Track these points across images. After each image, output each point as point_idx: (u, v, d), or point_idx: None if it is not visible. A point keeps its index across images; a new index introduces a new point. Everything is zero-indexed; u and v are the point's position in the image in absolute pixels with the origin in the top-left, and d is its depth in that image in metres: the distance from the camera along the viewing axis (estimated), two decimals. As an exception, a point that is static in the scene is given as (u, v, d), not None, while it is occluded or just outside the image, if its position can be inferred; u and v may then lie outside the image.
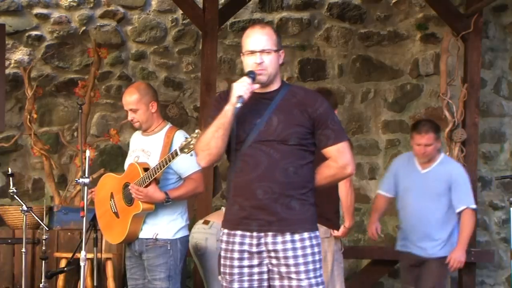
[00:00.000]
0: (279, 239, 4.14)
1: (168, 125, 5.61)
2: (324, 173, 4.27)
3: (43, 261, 6.52)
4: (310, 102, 4.21)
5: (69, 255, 6.59)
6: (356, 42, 8.80)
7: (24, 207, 6.49)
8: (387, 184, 6.66)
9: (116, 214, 5.56)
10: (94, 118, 8.47)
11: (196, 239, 6.38)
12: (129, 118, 5.63)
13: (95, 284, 6.21)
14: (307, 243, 4.16)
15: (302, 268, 4.13)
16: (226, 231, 4.23)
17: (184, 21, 8.60)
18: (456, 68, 8.20)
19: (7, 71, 8.18)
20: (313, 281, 4.15)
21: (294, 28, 8.72)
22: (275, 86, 4.25)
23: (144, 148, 5.57)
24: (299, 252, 4.14)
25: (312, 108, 4.19)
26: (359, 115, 8.77)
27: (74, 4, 8.44)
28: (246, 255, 4.16)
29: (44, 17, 8.41)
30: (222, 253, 4.22)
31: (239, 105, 4.08)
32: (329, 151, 4.23)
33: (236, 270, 4.18)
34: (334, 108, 5.68)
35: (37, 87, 7.98)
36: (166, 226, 5.47)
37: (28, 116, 7.87)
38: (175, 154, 5.15)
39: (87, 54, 8.20)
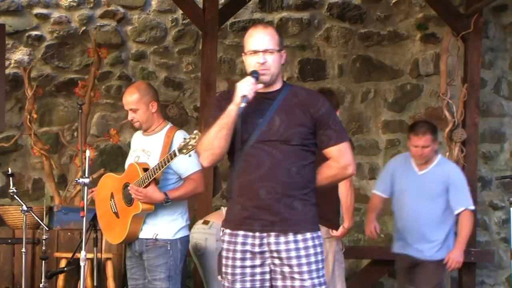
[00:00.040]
0: (282, 239, 4.14)
1: (169, 125, 5.61)
2: (325, 173, 4.28)
3: (43, 261, 6.52)
4: (312, 102, 4.21)
5: (69, 255, 6.59)
6: (356, 42, 8.80)
7: (24, 207, 6.49)
8: (383, 185, 6.64)
9: (116, 214, 5.57)
10: (94, 118, 8.47)
11: (195, 239, 6.38)
12: (129, 118, 5.64)
13: (95, 284, 6.21)
14: (310, 243, 4.16)
15: (305, 268, 4.14)
16: (228, 231, 4.22)
17: (184, 21, 8.60)
18: (456, 68, 8.20)
19: (7, 71, 8.18)
20: (316, 281, 4.15)
21: (294, 28, 8.72)
22: (277, 86, 4.25)
23: (145, 148, 5.57)
24: (302, 253, 4.14)
25: (314, 108, 4.19)
26: (359, 115, 8.77)
27: (74, 4, 8.44)
28: (248, 255, 4.16)
29: (44, 17, 8.42)
30: (224, 253, 4.22)
31: (243, 104, 4.07)
32: (330, 151, 4.24)
33: (238, 270, 4.17)
34: (335, 109, 5.69)
35: (37, 87, 7.98)
36: (166, 226, 5.47)
37: (28, 116, 7.87)
38: (173, 155, 5.14)
39: (87, 54, 8.20)
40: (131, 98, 5.56)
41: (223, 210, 6.61)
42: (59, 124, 8.42)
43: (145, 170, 5.37)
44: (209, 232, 6.44)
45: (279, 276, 4.16)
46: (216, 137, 4.12)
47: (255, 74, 4.14)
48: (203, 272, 6.51)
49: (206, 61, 7.68)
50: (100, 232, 6.03)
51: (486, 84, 8.74)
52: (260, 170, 4.12)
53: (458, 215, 6.44)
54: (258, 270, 4.17)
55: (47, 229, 6.69)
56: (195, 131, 5.02)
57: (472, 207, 6.47)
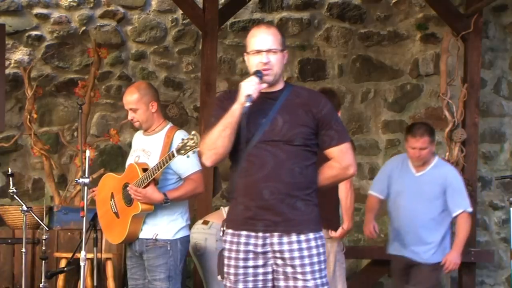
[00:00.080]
0: (285, 239, 4.13)
1: (169, 125, 5.60)
2: (327, 174, 4.28)
3: (43, 261, 6.52)
4: (314, 103, 4.22)
5: (69, 255, 6.58)
6: (356, 42, 8.80)
7: (24, 207, 6.49)
8: (380, 186, 6.61)
9: (116, 214, 5.57)
10: (94, 118, 8.47)
11: (195, 239, 6.38)
12: (129, 117, 5.64)
13: (95, 284, 6.21)
14: (313, 243, 4.16)
15: (308, 268, 4.13)
16: (230, 231, 4.21)
17: (184, 21, 8.60)
18: (456, 68, 8.21)
19: (7, 71, 8.17)
20: (318, 281, 4.15)
21: (294, 28, 8.72)
22: (279, 86, 4.25)
23: (145, 148, 5.57)
24: (305, 253, 4.14)
25: (317, 109, 4.20)
26: (359, 115, 8.77)
27: (74, 4, 8.44)
28: (251, 255, 4.16)
29: (44, 17, 8.41)
30: (226, 253, 4.21)
31: (248, 104, 4.06)
32: (332, 151, 4.24)
33: (241, 271, 4.17)
34: (337, 109, 5.69)
35: (37, 87, 7.98)
36: (166, 226, 5.46)
37: (28, 116, 7.87)
38: (172, 156, 5.13)
39: (87, 54, 8.19)
40: (131, 97, 5.57)
41: (223, 210, 6.62)
42: (59, 124, 8.41)
43: (145, 170, 5.36)
44: (209, 232, 6.44)
45: (281, 277, 4.16)
46: (220, 136, 4.12)
47: (259, 73, 4.14)
48: (202, 272, 6.51)
49: (206, 61, 7.68)
50: (100, 232, 6.03)
51: (486, 84, 8.74)
52: (264, 170, 4.11)
53: (455, 217, 6.42)
54: (260, 270, 4.17)
55: (47, 229, 6.69)
56: (193, 132, 5.02)
57: (470, 209, 6.45)
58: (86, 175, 5.26)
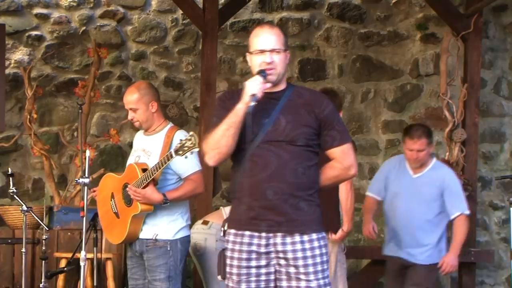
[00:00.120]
0: (288, 240, 4.13)
1: (169, 125, 5.60)
2: (328, 174, 4.28)
3: (43, 261, 6.52)
4: (317, 103, 4.22)
5: (69, 255, 6.58)
6: (356, 42, 8.80)
7: (24, 207, 6.49)
8: (377, 187, 6.59)
9: (117, 214, 5.57)
10: (94, 118, 8.47)
11: (195, 239, 6.37)
12: (129, 117, 5.64)
13: (95, 284, 6.21)
14: (316, 244, 4.16)
15: (311, 269, 4.14)
16: (233, 231, 4.21)
17: (184, 21, 8.60)
18: (456, 68, 8.21)
19: (7, 71, 8.17)
20: (321, 281, 4.16)
21: (294, 28, 8.72)
22: (281, 86, 4.25)
23: (145, 148, 5.57)
24: (308, 253, 4.14)
25: (319, 109, 4.20)
26: (359, 115, 8.77)
27: (74, 4, 8.44)
28: (254, 255, 4.16)
29: (44, 17, 8.41)
30: (229, 253, 4.20)
31: (253, 103, 4.06)
32: (334, 152, 4.25)
33: (243, 271, 4.17)
34: (338, 110, 5.68)
35: (37, 87, 7.98)
36: (166, 226, 5.46)
37: (28, 116, 7.87)
38: (170, 157, 5.13)
39: (87, 54, 8.19)
40: (131, 97, 5.57)
41: (222, 210, 6.61)
42: (59, 124, 8.41)
43: (144, 170, 5.36)
44: (209, 232, 6.44)
45: (284, 277, 4.16)
46: (224, 136, 4.11)
47: (263, 73, 4.14)
48: (202, 272, 6.51)
49: (206, 61, 7.68)
50: (100, 232, 6.03)
51: (486, 84, 8.74)
52: (267, 171, 4.11)
53: (453, 219, 6.40)
54: (263, 270, 4.17)
55: (47, 229, 6.69)
56: (190, 133, 5.02)
57: (468, 212, 6.44)
58: (86, 175, 5.26)
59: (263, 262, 4.16)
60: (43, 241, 6.59)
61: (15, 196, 6.60)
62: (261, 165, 4.12)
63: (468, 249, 7.95)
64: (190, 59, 8.64)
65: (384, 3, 8.79)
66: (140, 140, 5.69)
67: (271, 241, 4.14)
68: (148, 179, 5.29)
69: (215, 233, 6.41)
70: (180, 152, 4.98)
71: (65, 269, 6.61)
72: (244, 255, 4.16)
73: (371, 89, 8.81)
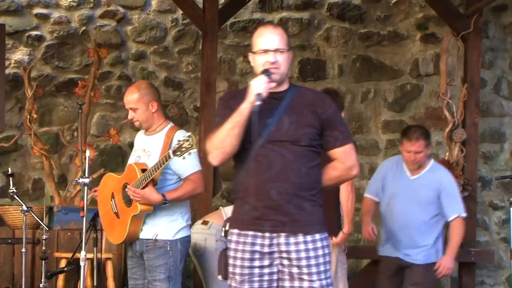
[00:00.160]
0: (292, 240, 4.13)
1: (169, 125, 5.60)
2: (330, 174, 4.29)
3: (43, 261, 6.52)
4: (320, 103, 4.23)
5: (69, 255, 6.58)
6: (356, 42, 8.80)
7: (24, 207, 6.49)
8: (374, 188, 6.57)
9: (117, 214, 5.57)
10: (94, 118, 8.47)
11: (195, 239, 6.37)
12: (129, 116, 5.64)
13: (95, 284, 6.21)
14: (319, 244, 4.17)
15: (314, 269, 4.14)
16: (236, 231, 4.21)
17: (184, 21, 8.60)
18: (456, 68, 8.21)
19: (7, 71, 8.17)
20: (324, 282, 4.16)
21: (294, 28, 8.72)
22: (284, 86, 4.25)
23: (145, 148, 5.57)
24: (311, 254, 4.14)
25: (322, 109, 4.21)
26: (359, 115, 8.77)
27: (74, 4, 8.44)
28: (257, 255, 4.15)
29: (44, 17, 8.41)
30: (232, 253, 4.20)
31: (258, 103, 4.05)
32: (336, 152, 4.25)
33: (246, 271, 4.16)
34: (340, 110, 5.67)
35: (37, 87, 7.98)
36: (166, 226, 5.46)
37: (28, 116, 7.87)
38: (168, 157, 5.13)
39: (87, 54, 8.20)
40: (131, 97, 5.57)
41: (222, 210, 6.61)
42: (59, 124, 8.42)
43: (143, 171, 5.36)
44: (208, 233, 6.44)
45: (286, 277, 4.16)
46: (229, 135, 4.11)
47: (267, 72, 4.14)
48: (202, 272, 6.51)
49: (206, 61, 7.68)
50: (100, 232, 6.03)
51: (486, 84, 8.74)
52: (271, 171, 4.11)
53: (450, 222, 6.39)
54: (266, 270, 4.17)
55: (47, 229, 6.69)
56: (188, 134, 5.03)
57: (464, 215, 6.43)
58: (86, 175, 5.27)
59: (266, 262, 4.16)
60: (43, 241, 6.59)
61: (15, 196, 6.60)
62: (265, 165, 4.12)
63: (468, 249, 7.96)
64: (190, 59, 8.64)
65: (384, 3, 8.79)
66: (140, 140, 5.69)
67: (275, 241, 4.14)
68: (147, 179, 5.29)
69: (215, 233, 6.41)
70: (178, 153, 4.99)
71: (65, 269, 6.61)
72: (247, 255, 4.16)
73: (371, 89, 8.81)
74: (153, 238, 5.43)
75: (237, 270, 4.18)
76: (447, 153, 8.10)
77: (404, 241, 6.38)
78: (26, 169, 8.37)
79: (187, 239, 5.55)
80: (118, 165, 8.24)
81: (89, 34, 8.44)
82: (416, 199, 6.36)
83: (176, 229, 5.47)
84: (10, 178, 6.70)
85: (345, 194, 5.82)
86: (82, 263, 5.20)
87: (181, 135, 5.38)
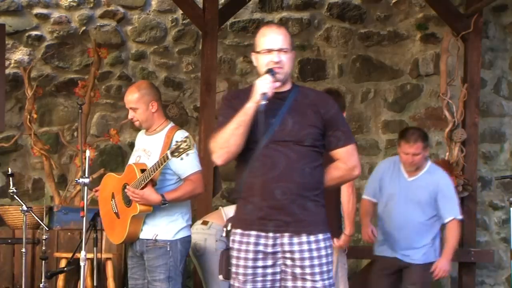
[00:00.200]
0: (296, 240, 4.13)
1: (170, 125, 5.59)
2: (333, 174, 4.30)
3: (43, 261, 6.52)
4: (323, 104, 4.24)
5: (69, 255, 6.58)
6: (356, 42, 8.80)
7: (24, 207, 6.49)
8: (372, 189, 6.55)
9: (117, 214, 5.56)
10: (94, 118, 8.47)
11: (194, 239, 6.35)
12: (129, 116, 5.64)
13: (95, 284, 6.21)
14: (322, 244, 4.17)
15: (317, 269, 4.14)
16: (239, 231, 4.20)
17: (184, 21, 8.60)
18: (456, 68, 8.21)
19: (7, 71, 8.17)
20: (326, 282, 4.16)
21: (294, 28, 8.71)
22: (287, 86, 4.26)
23: (146, 148, 5.57)
24: (315, 254, 4.14)
25: (325, 109, 4.22)
26: (359, 115, 8.77)
27: (74, 4, 8.44)
28: (260, 255, 4.15)
29: (44, 17, 8.41)
30: (235, 253, 4.19)
31: (264, 102, 4.06)
32: (338, 152, 4.26)
33: (249, 271, 4.16)
34: (342, 110, 5.68)
35: (37, 87, 7.98)
36: (166, 227, 5.45)
37: (28, 116, 7.87)
38: (166, 158, 5.13)
39: (87, 54, 8.20)
40: (132, 97, 5.57)
41: (222, 210, 6.61)
42: (59, 124, 8.41)
43: (143, 171, 5.35)
44: (208, 233, 6.43)
45: (289, 277, 4.16)
46: (233, 134, 4.10)
47: (272, 72, 4.14)
48: (202, 272, 6.50)
49: (206, 61, 7.68)
50: (100, 232, 6.03)
51: (486, 84, 8.74)
52: (275, 171, 4.11)
53: (445, 224, 6.38)
54: (269, 270, 4.17)
55: (47, 229, 6.69)
56: (186, 135, 5.03)
57: (460, 217, 6.42)
58: (86, 175, 5.27)
59: (269, 262, 4.16)
60: (43, 241, 6.59)
61: (15, 196, 6.60)
62: (269, 165, 4.11)
63: (468, 249, 7.96)
64: (190, 59, 8.64)
65: (384, 3, 8.79)
66: (141, 140, 5.69)
67: (278, 241, 4.14)
68: (146, 179, 5.29)
69: (214, 233, 6.41)
70: (176, 154, 4.99)
71: (65, 269, 6.61)
72: (251, 255, 4.16)
73: (371, 89, 8.81)
74: (153, 238, 5.43)
75: (240, 270, 4.18)
76: (447, 153, 8.10)
77: (402, 242, 6.38)
78: (26, 169, 8.37)
79: (187, 239, 5.55)
80: (118, 165, 8.24)
81: (89, 34, 8.44)
82: (414, 200, 6.35)
83: (176, 229, 5.47)
84: (10, 178, 6.70)
85: (346, 196, 5.82)
86: (82, 263, 5.20)
87: (181, 135, 5.38)
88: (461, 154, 8.01)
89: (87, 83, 7.97)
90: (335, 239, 5.77)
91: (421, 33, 8.81)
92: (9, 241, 7.34)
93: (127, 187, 5.40)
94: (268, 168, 4.11)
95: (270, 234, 4.14)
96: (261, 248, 4.15)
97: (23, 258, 6.53)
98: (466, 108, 8.06)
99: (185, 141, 4.96)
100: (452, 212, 6.35)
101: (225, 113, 4.20)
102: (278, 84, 4.15)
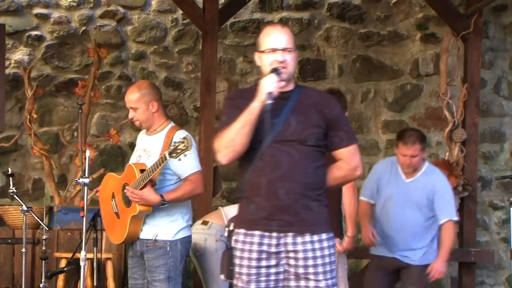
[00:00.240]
0: (299, 239, 4.14)
1: (170, 125, 5.59)
2: (335, 174, 4.31)
3: (43, 261, 6.52)
4: (326, 104, 4.25)
5: (69, 255, 6.58)
6: (356, 42, 8.80)
7: (24, 207, 6.49)
8: (369, 191, 6.52)
9: (117, 214, 5.56)
10: (94, 118, 8.47)
11: (194, 239, 6.34)
12: (130, 116, 5.64)
13: (95, 284, 6.21)
14: (325, 244, 4.18)
15: (320, 269, 4.15)
16: (242, 231, 4.20)
17: (184, 21, 8.60)
18: (456, 68, 8.21)
19: (7, 71, 8.17)
20: (329, 282, 4.17)
21: (294, 28, 8.71)
22: (290, 86, 4.26)
23: (146, 147, 5.57)
24: (318, 253, 4.15)
25: (328, 110, 4.23)
26: (359, 115, 8.77)
27: (74, 4, 8.44)
28: (264, 255, 4.15)
29: (44, 17, 8.41)
30: (238, 253, 4.19)
31: (270, 101, 4.06)
32: (341, 152, 4.27)
33: (253, 271, 4.16)
34: (344, 110, 5.68)
35: (37, 87, 7.98)
36: (166, 227, 5.45)
37: (28, 116, 7.87)
38: (164, 159, 5.13)
39: (87, 54, 8.20)
40: (132, 96, 5.57)
41: (221, 210, 6.61)
42: (59, 124, 8.41)
43: (142, 171, 5.35)
44: (208, 233, 6.43)
45: (292, 277, 4.16)
46: (239, 134, 4.10)
47: (277, 71, 4.15)
48: (202, 272, 6.50)
49: (206, 61, 7.68)
50: (100, 232, 6.03)
51: (486, 84, 8.74)
52: (279, 170, 4.11)
53: (441, 225, 6.37)
54: (273, 270, 4.16)
55: (47, 229, 6.69)
56: (183, 135, 5.04)
57: (456, 219, 6.40)
58: (86, 175, 5.27)
59: (273, 262, 4.16)
60: (43, 241, 6.60)
61: (15, 196, 6.60)
62: (273, 164, 4.11)
63: (468, 249, 7.96)
64: (190, 59, 8.64)
65: (384, 3, 8.79)
66: (142, 140, 5.69)
67: (282, 241, 4.14)
68: (146, 180, 5.29)
69: (214, 233, 6.41)
70: (174, 155, 5.00)
71: (65, 269, 6.61)
72: (255, 255, 4.15)
73: (371, 89, 8.81)
74: (153, 239, 5.43)
75: (244, 270, 4.17)
76: (447, 153, 8.10)
77: (400, 244, 6.36)
78: (26, 169, 8.37)
79: (187, 240, 5.54)
80: (118, 165, 8.24)
81: (89, 34, 8.44)
82: (412, 202, 6.34)
83: (176, 230, 5.47)
84: (10, 178, 6.70)
85: (348, 197, 5.82)
86: (82, 263, 5.20)
87: (181, 135, 5.37)
88: (461, 154, 8.01)
89: (87, 83, 7.97)
90: (338, 244, 5.77)
91: (421, 33, 8.81)
92: (9, 241, 7.34)
93: (127, 187, 5.39)
94: (272, 168, 4.11)
95: (274, 234, 4.14)
96: (265, 248, 4.15)
97: (23, 258, 6.54)
98: (466, 108, 8.06)
99: (182, 142, 4.97)
100: (447, 213, 6.33)
101: (229, 113, 4.20)
102: (283, 83, 4.16)
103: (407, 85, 8.84)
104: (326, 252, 4.17)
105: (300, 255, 4.13)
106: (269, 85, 4.09)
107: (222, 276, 4.30)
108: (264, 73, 4.20)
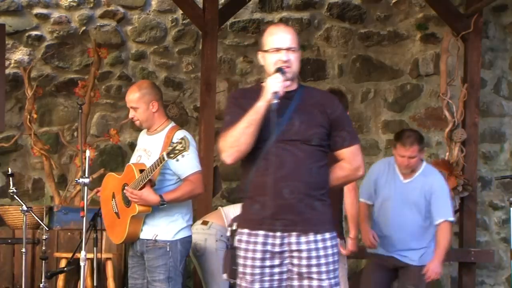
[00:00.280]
0: (303, 239, 4.14)
1: (170, 125, 5.59)
2: (338, 174, 4.31)
3: (43, 261, 6.52)
4: (329, 104, 4.26)
5: (69, 255, 6.59)
6: (356, 42, 8.80)
7: (24, 207, 6.49)
8: (367, 192, 6.51)
9: (117, 214, 5.56)
10: (94, 118, 8.47)
11: (194, 239, 6.34)
12: (130, 116, 5.64)
13: (95, 284, 6.21)
14: (329, 243, 4.18)
15: (323, 268, 4.15)
16: (246, 230, 4.19)
17: (184, 21, 8.60)
18: (456, 68, 8.21)
19: (7, 71, 8.17)
20: (332, 281, 4.17)
21: (294, 28, 8.70)
22: (293, 86, 4.26)
23: (146, 147, 5.57)
24: (321, 253, 4.15)
25: (331, 110, 4.23)
26: (359, 115, 8.77)
27: (74, 4, 8.44)
28: (268, 255, 4.15)
29: (44, 17, 8.41)
30: (242, 253, 4.18)
31: (275, 101, 4.06)
32: (343, 152, 4.27)
33: (257, 270, 4.15)
34: (345, 110, 5.68)
35: (37, 87, 7.98)
36: (166, 227, 5.45)
37: (28, 116, 7.87)
38: (162, 159, 5.13)
39: (87, 54, 8.20)
40: (132, 96, 5.57)
41: (221, 210, 6.61)
42: (59, 124, 8.41)
43: (142, 171, 5.35)
44: (208, 233, 6.43)
45: (295, 276, 4.16)
46: (244, 133, 4.10)
47: (282, 70, 4.15)
48: (202, 272, 6.50)
49: (206, 61, 7.68)
50: (100, 232, 6.03)
51: (486, 84, 8.74)
52: (283, 170, 4.11)
53: (437, 225, 6.36)
54: (276, 270, 4.16)
55: (47, 229, 6.69)
56: (181, 136, 5.04)
57: (452, 219, 6.39)
58: (86, 175, 5.27)
59: (276, 262, 4.16)
60: (43, 241, 6.60)
61: (15, 196, 6.60)
62: (277, 163, 4.11)
63: (468, 249, 7.96)
64: (190, 59, 8.64)
65: (384, 3, 8.79)
66: (142, 139, 5.70)
67: (286, 240, 4.14)
68: (145, 180, 5.28)
69: (214, 233, 6.41)
70: (172, 155, 5.00)
71: (65, 269, 6.61)
72: (259, 255, 4.15)
73: (371, 89, 8.81)
74: (153, 239, 5.43)
75: (248, 270, 4.17)
76: (447, 153, 8.10)
77: (398, 243, 6.36)
78: (26, 169, 8.37)
79: (187, 240, 5.54)
80: (118, 165, 8.24)
81: (89, 34, 8.44)
82: (410, 202, 6.34)
83: (176, 230, 5.46)
84: (10, 178, 6.70)
85: (350, 199, 5.82)
86: (82, 263, 5.20)
87: (180, 135, 5.37)
88: (461, 154, 8.01)
89: (87, 83, 7.97)
90: (341, 248, 5.75)
91: (421, 33, 8.81)
92: (9, 241, 7.34)
93: (126, 187, 5.39)
94: (276, 167, 4.11)
95: (278, 234, 4.14)
96: (269, 247, 4.14)
97: (23, 258, 6.53)
98: (466, 108, 8.06)
99: (180, 143, 4.97)
100: (443, 213, 6.33)
101: (232, 112, 4.20)
102: (288, 83, 4.16)
103: (407, 85, 8.84)
104: (330, 251, 4.17)
105: (304, 254, 4.13)
106: (275, 85, 4.09)
107: (225, 276, 4.29)
108: (267, 73, 4.19)
